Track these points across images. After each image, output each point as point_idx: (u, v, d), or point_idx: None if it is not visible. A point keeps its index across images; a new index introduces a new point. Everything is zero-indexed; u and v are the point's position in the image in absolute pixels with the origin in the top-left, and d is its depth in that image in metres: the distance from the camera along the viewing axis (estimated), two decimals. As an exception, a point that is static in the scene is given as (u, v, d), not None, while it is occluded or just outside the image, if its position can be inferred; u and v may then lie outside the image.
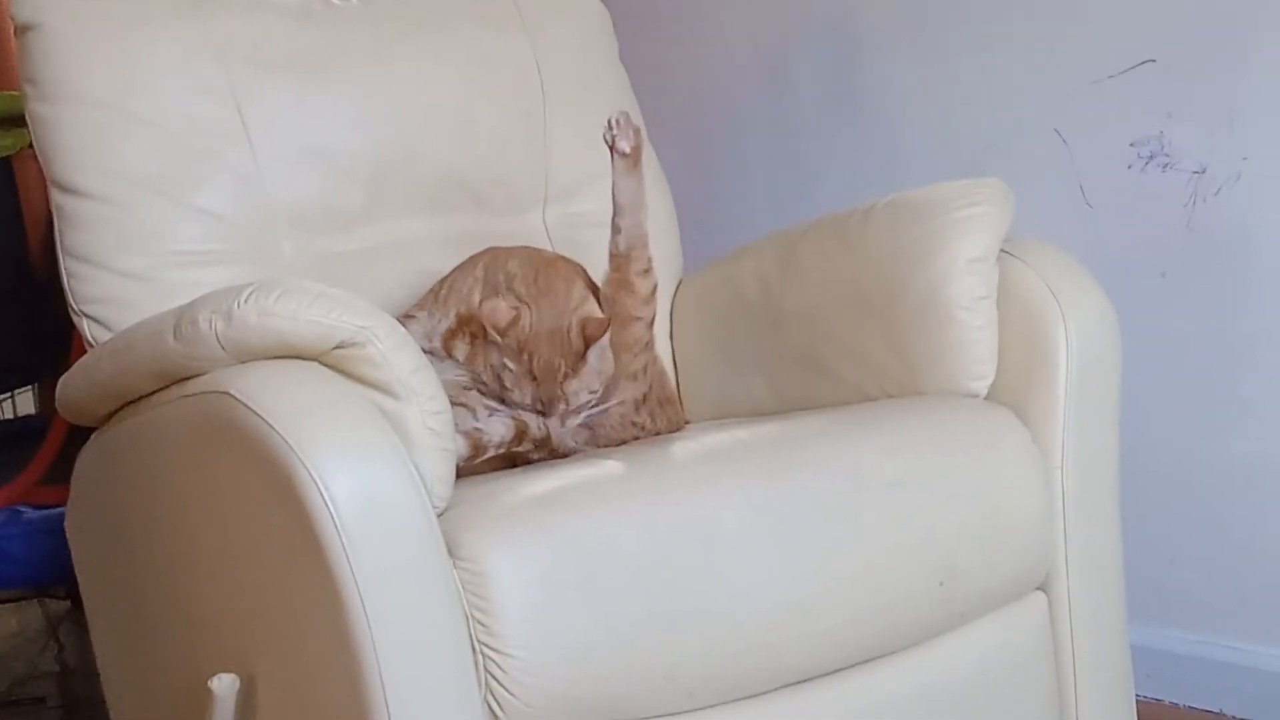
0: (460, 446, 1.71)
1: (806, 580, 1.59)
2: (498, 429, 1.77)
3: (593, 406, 1.82)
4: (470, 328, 1.84)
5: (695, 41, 2.93)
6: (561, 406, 1.79)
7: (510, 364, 1.78)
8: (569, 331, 1.80)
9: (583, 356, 1.79)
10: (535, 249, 2.02)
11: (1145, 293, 2.33)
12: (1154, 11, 2.29)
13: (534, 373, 1.78)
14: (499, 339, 1.78)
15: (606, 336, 1.81)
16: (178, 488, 1.66)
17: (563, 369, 1.78)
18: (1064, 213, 2.40)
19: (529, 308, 1.81)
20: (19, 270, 2.69)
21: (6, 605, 2.57)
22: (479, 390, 1.82)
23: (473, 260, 1.94)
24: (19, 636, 2.49)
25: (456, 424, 1.69)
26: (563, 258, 1.98)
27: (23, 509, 2.53)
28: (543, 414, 1.79)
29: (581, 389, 1.80)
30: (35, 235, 2.70)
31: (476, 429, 1.75)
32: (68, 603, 2.51)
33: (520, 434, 1.78)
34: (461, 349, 1.83)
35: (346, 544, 1.38)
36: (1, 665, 2.48)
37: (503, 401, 1.80)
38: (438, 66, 2.21)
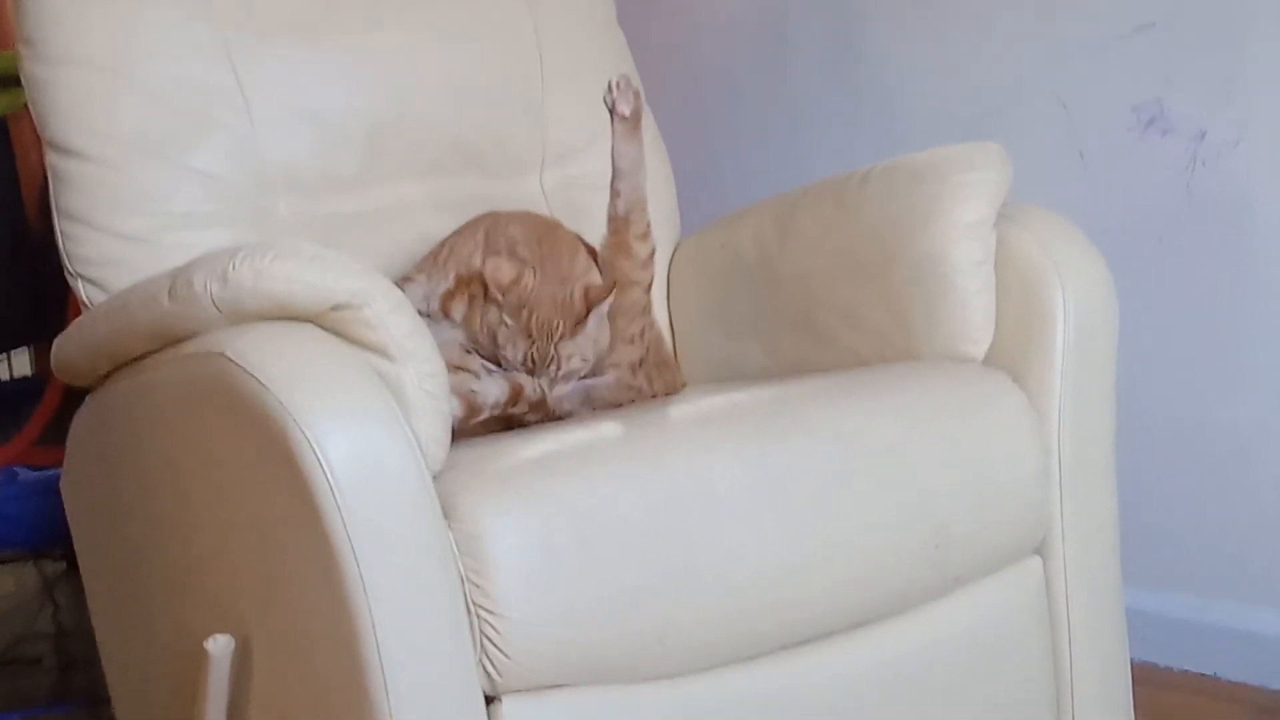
0: (455, 408, 1.70)
1: (802, 544, 1.59)
2: (493, 390, 1.77)
3: (582, 377, 1.82)
4: (470, 288, 1.83)
5: (693, 4, 2.92)
6: (553, 368, 1.79)
7: (508, 319, 1.78)
8: (572, 295, 1.80)
9: (582, 320, 1.79)
10: (535, 214, 2.02)
11: (1143, 258, 2.32)
12: (1154, -25, 2.29)
13: (530, 330, 1.78)
14: (500, 296, 1.77)
15: (607, 305, 1.81)
16: (172, 449, 1.66)
17: (560, 329, 1.78)
18: (1063, 177, 2.40)
19: (533, 270, 1.80)
20: (16, 231, 2.69)
21: (3, 566, 2.57)
22: (476, 351, 1.82)
23: (473, 224, 1.93)
24: (15, 597, 2.49)
25: (455, 386, 1.70)
26: (561, 224, 1.98)
27: (19, 470, 2.54)
28: (531, 372, 1.78)
29: (575, 353, 1.80)
30: (32, 196, 2.70)
31: (472, 391, 1.75)
32: (64, 564, 2.51)
33: (516, 395, 1.78)
34: (459, 309, 1.83)
35: (341, 506, 1.38)
36: (-2, 626, 2.48)
37: (496, 361, 1.80)
38: (434, 29, 2.20)
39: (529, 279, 1.79)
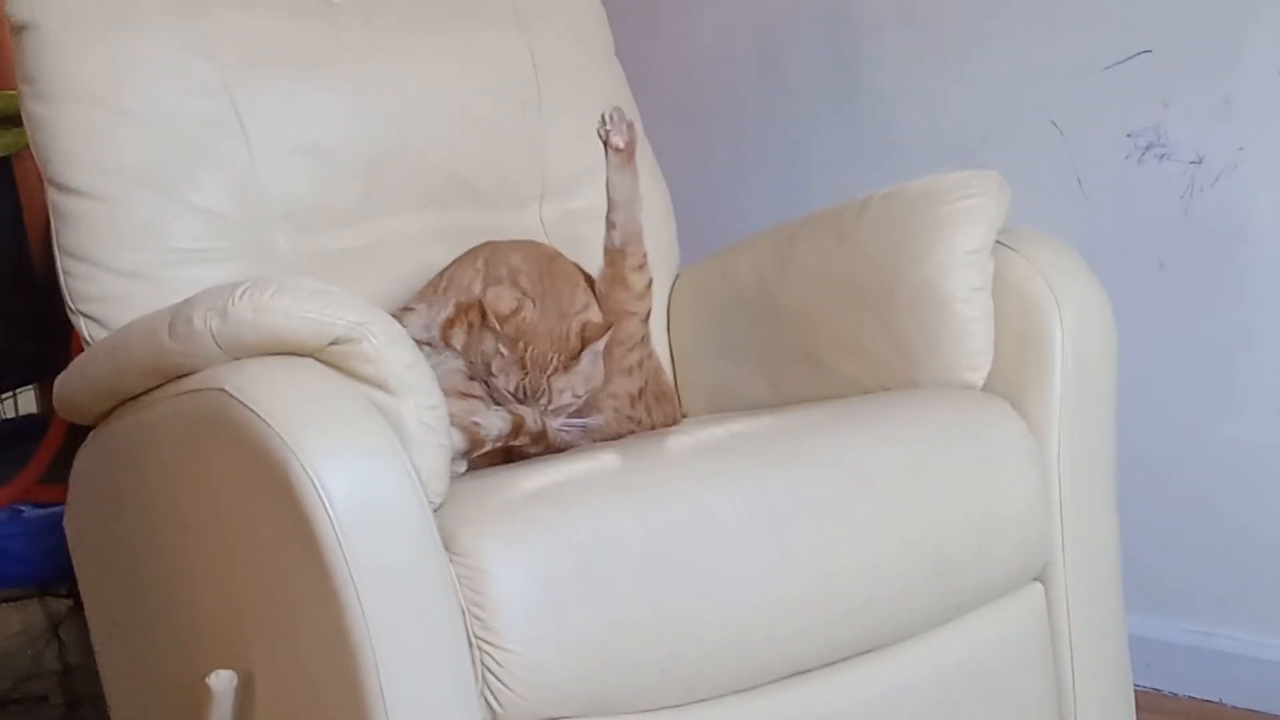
0: (457, 440, 1.71)
1: (803, 573, 1.59)
2: (495, 423, 1.77)
3: (573, 414, 1.82)
4: (469, 315, 1.84)
5: (690, 34, 2.93)
6: (544, 401, 1.79)
7: (504, 350, 1.78)
8: (569, 331, 1.80)
9: (576, 357, 1.80)
10: (535, 243, 2.03)
11: (1142, 283, 2.33)
12: (1149, 1, 2.29)
13: (524, 362, 1.78)
14: (497, 326, 1.78)
15: (602, 343, 1.81)
16: (174, 485, 1.66)
17: (554, 363, 1.78)
18: (1061, 204, 2.40)
19: (533, 302, 1.81)
20: (20, 269, 2.70)
21: (9, 604, 2.57)
22: (477, 378, 1.82)
23: (473, 253, 1.94)
24: (21, 635, 2.49)
25: (459, 415, 1.70)
26: (561, 255, 1.98)
27: (23, 507, 2.54)
28: (521, 403, 1.79)
29: (567, 389, 1.80)
30: (36, 234, 2.70)
31: (475, 423, 1.75)
32: (70, 601, 2.51)
33: (518, 428, 1.79)
34: (459, 337, 1.83)
35: (342, 540, 1.38)
36: (4, 663, 2.48)
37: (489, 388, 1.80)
38: (433, 62, 2.21)
39: (529, 311, 1.80)
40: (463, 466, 1.71)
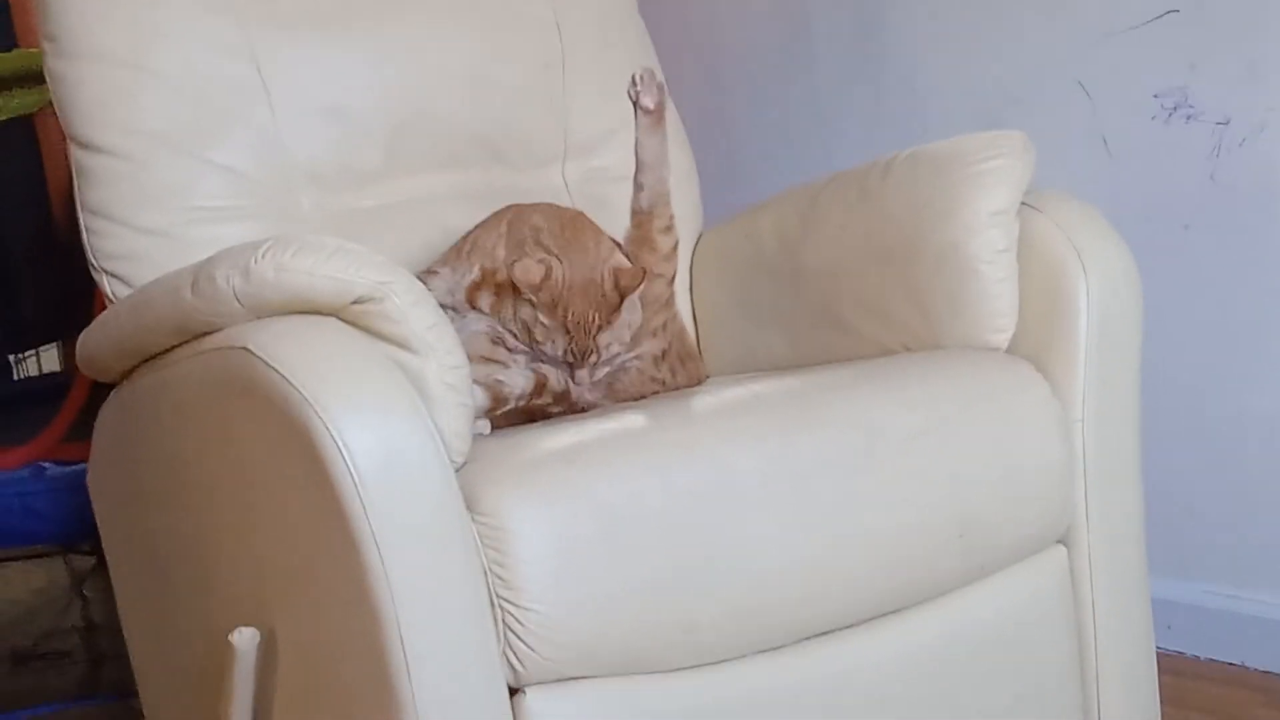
0: (481, 398, 1.71)
1: (825, 533, 1.59)
2: (518, 381, 1.77)
3: (618, 356, 1.82)
4: (496, 278, 1.83)
5: (715, -5, 2.92)
6: (594, 358, 1.79)
7: (544, 319, 1.78)
8: (603, 283, 1.80)
9: (616, 309, 1.79)
10: (556, 205, 2.02)
11: (1168, 245, 2.32)
12: (1176, -38, 2.28)
13: (568, 326, 1.77)
14: (533, 297, 1.77)
15: (639, 290, 1.81)
16: (196, 443, 1.67)
17: (597, 321, 1.78)
18: (1086, 165, 2.39)
19: (558, 260, 1.80)
20: (42, 228, 2.70)
21: (32, 561, 2.58)
22: (504, 343, 1.82)
23: (496, 217, 1.93)
24: (45, 592, 2.50)
25: (481, 377, 1.70)
26: (583, 214, 1.98)
27: (47, 465, 2.54)
28: (573, 365, 1.78)
29: (613, 340, 1.80)
30: (58, 193, 2.70)
31: (498, 381, 1.76)
32: (93, 559, 2.52)
33: (540, 387, 1.79)
34: (486, 299, 1.83)
35: (365, 499, 1.38)
36: (28, 620, 2.49)
37: (532, 353, 1.80)
38: (455, 22, 2.20)
39: (557, 271, 1.79)
40: (487, 427, 1.71)
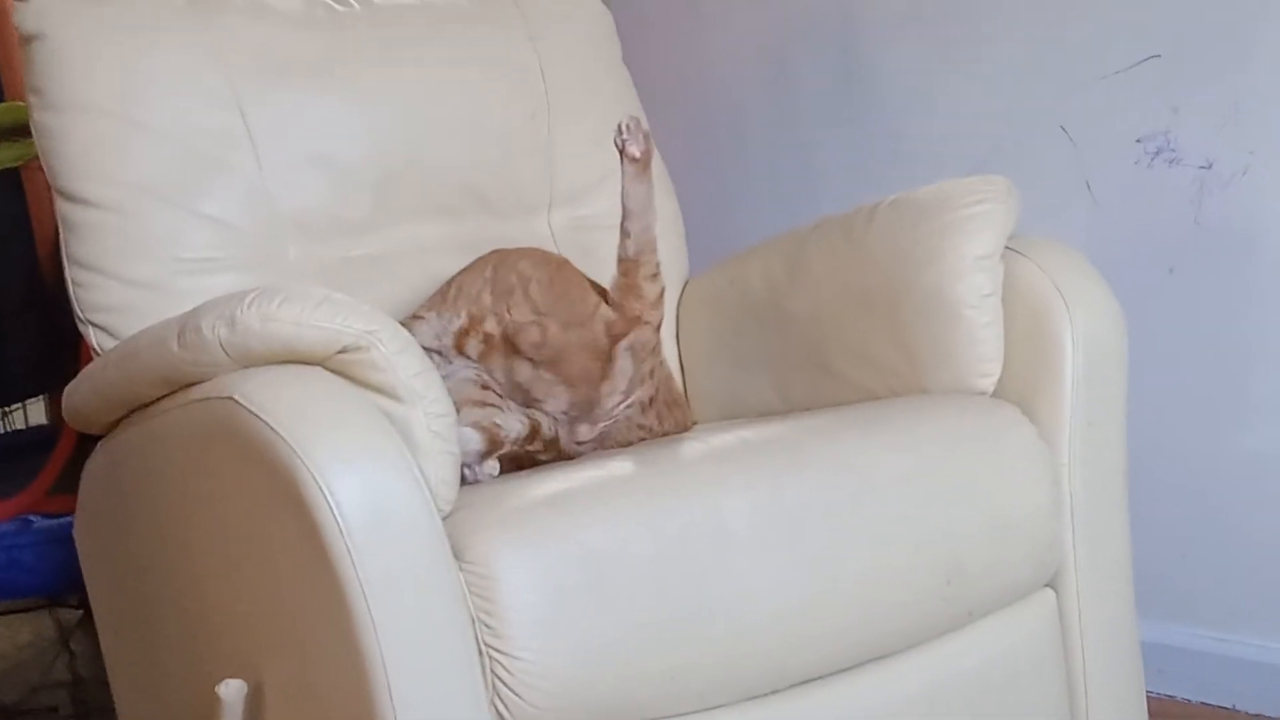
0: (477, 441, 1.71)
1: (814, 580, 1.59)
2: (514, 425, 1.77)
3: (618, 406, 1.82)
4: (484, 330, 1.83)
5: (698, 42, 2.93)
6: (597, 411, 1.79)
7: (545, 374, 1.78)
8: (596, 334, 1.80)
9: (610, 358, 1.79)
10: (541, 250, 2.02)
11: (1153, 289, 2.32)
12: (1158, 6, 2.29)
13: (570, 380, 1.78)
14: (534, 355, 1.77)
15: (631, 338, 1.81)
16: (183, 494, 1.66)
17: (597, 371, 1.78)
18: (1071, 209, 2.40)
19: (549, 318, 1.80)
20: (30, 280, 2.70)
21: (19, 615, 2.57)
22: (494, 389, 1.82)
23: (481, 261, 1.94)
24: (32, 646, 2.49)
25: (477, 419, 1.70)
26: (568, 262, 1.98)
27: (33, 518, 2.54)
28: (575, 420, 1.79)
29: (614, 390, 1.80)
30: (45, 246, 2.70)
31: (495, 424, 1.75)
32: (80, 612, 2.51)
33: (534, 432, 1.79)
34: (475, 347, 1.83)
35: (351, 548, 1.38)
36: (14, 674, 2.48)
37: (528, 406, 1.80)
38: (441, 71, 2.21)
39: (553, 329, 1.79)
40: (496, 468, 1.71)
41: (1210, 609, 2.35)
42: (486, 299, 1.85)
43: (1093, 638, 1.80)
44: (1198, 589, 2.35)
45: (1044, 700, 1.77)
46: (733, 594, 1.54)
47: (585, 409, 1.79)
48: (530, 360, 1.78)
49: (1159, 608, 2.16)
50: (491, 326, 1.82)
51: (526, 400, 1.79)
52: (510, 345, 1.79)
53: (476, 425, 1.71)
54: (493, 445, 1.74)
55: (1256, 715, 2.30)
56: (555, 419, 1.79)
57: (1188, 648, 2.36)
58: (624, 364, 1.82)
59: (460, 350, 1.84)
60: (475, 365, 1.83)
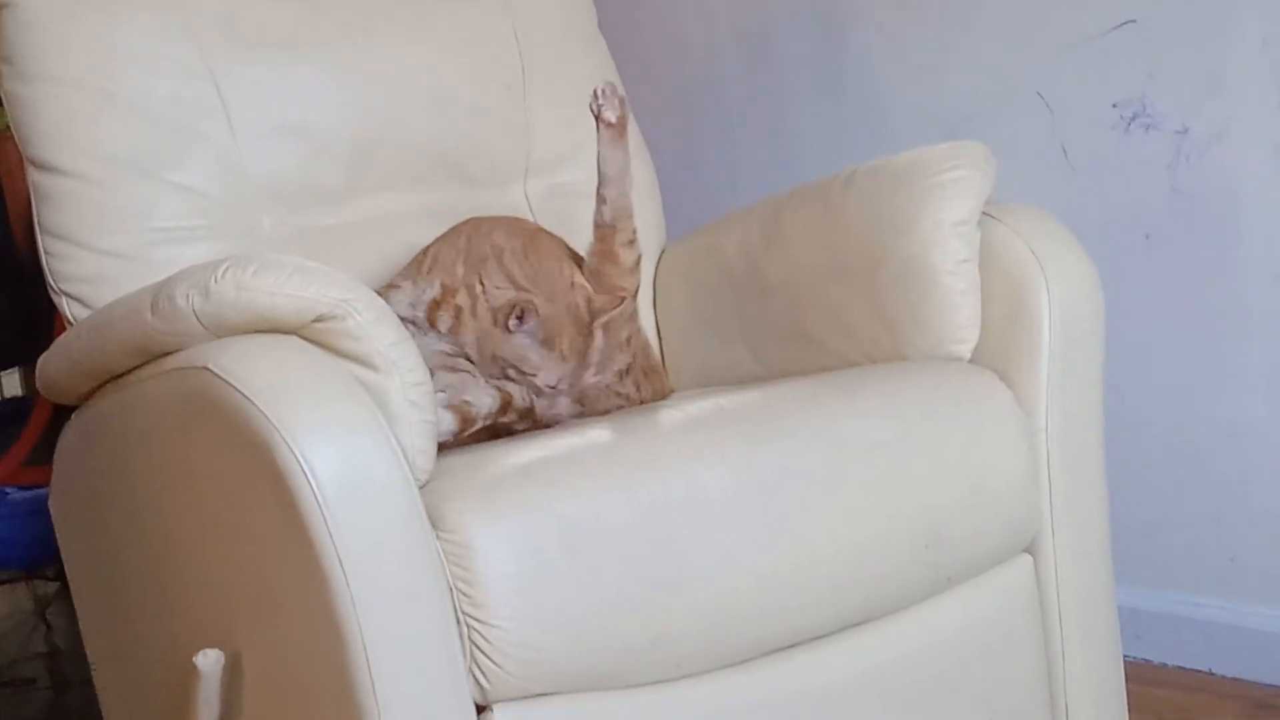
0: (449, 421, 1.70)
1: (791, 547, 1.59)
2: (485, 400, 1.77)
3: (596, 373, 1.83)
4: (455, 303, 1.82)
5: (674, 9, 2.92)
6: (579, 384, 1.79)
7: (540, 349, 1.77)
8: (577, 308, 1.80)
9: (591, 332, 1.79)
10: (517, 220, 2.02)
11: (1129, 254, 2.32)
12: (1134, -28, 2.28)
13: (563, 353, 1.77)
14: (528, 335, 1.77)
15: (613, 314, 1.81)
16: (158, 464, 1.66)
17: (583, 346, 1.78)
18: (1047, 175, 2.40)
19: (533, 293, 1.80)
20: (3, 251, 2.68)
21: (-4, 587, 2.57)
22: (467, 359, 1.81)
23: (455, 231, 1.93)
24: (9, 619, 2.48)
25: (448, 395, 1.70)
26: (543, 230, 1.97)
27: (8, 490, 2.53)
28: (563, 395, 1.78)
29: (590, 364, 1.81)
30: (18, 217, 2.69)
31: (465, 401, 1.75)
32: (56, 584, 2.50)
33: (506, 404, 1.78)
34: (445, 321, 1.82)
35: (328, 518, 1.37)
36: (-8, 648, 2.48)
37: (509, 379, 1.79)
38: (416, 41, 2.20)
39: (540, 304, 1.78)
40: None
41: (1186, 574, 2.36)
42: (460, 270, 1.84)
43: (1070, 602, 1.80)
44: (1175, 554, 2.36)
45: (1022, 664, 1.78)
46: (710, 562, 1.54)
47: (574, 382, 1.79)
48: (522, 335, 1.77)
49: (1136, 573, 2.17)
50: (463, 300, 1.81)
51: (511, 374, 1.78)
52: (494, 318, 1.78)
53: (448, 405, 1.71)
54: (465, 424, 1.73)
55: (1232, 679, 2.31)
56: (540, 392, 1.78)
57: (1164, 612, 2.36)
58: (599, 339, 1.82)
59: (432, 323, 1.83)
60: (446, 338, 1.82)
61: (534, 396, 1.79)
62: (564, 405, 1.81)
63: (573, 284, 1.84)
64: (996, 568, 1.77)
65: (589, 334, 1.80)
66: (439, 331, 1.83)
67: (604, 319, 1.81)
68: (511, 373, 1.78)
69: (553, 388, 1.78)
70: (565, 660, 1.47)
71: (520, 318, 1.76)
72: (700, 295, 2.17)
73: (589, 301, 1.81)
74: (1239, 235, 2.24)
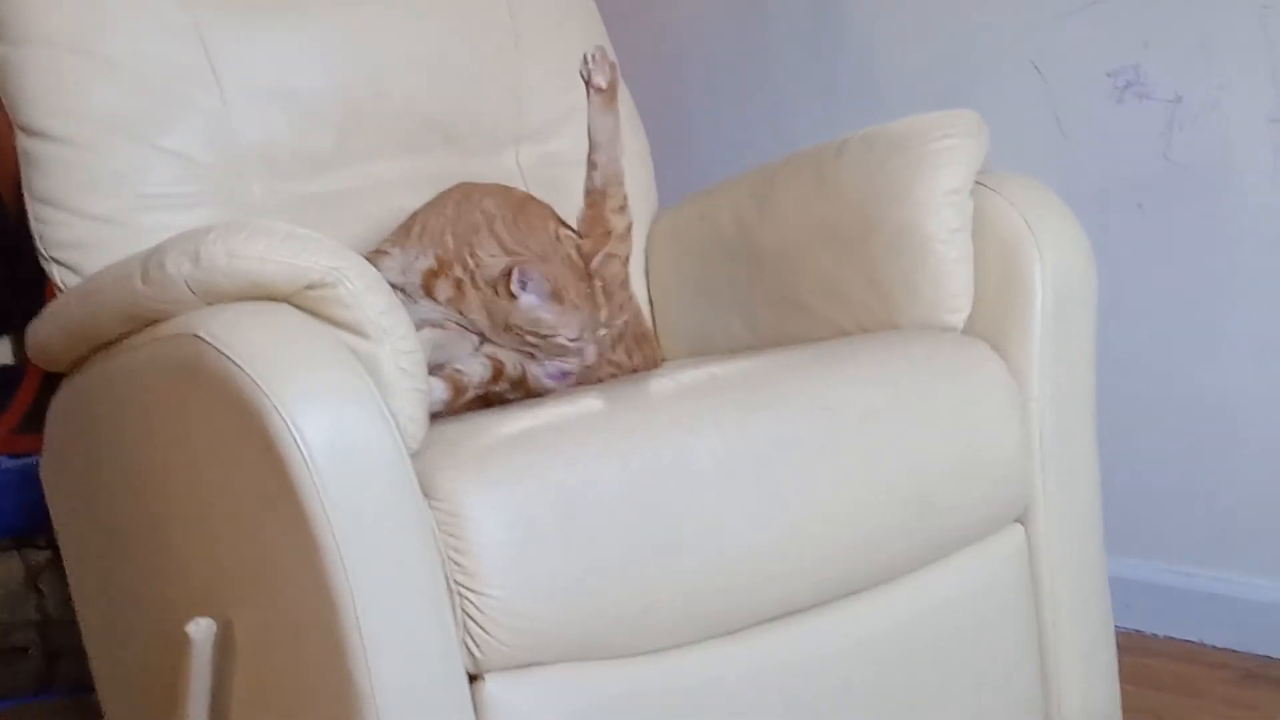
0: (441, 390, 1.70)
1: (783, 515, 1.59)
2: (476, 369, 1.76)
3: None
4: (455, 275, 1.81)
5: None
6: (604, 315, 1.80)
7: (553, 308, 1.76)
8: (571, 256, 1.80)
9: (589, 275, 1.79)
10: (506, 187, 2.01)
11: (1122, 223, 2.32)
12: (1128, -61, 2.28)
13: (575, 304, 1.76)
14: (543, 290, 1.76)
15: (600, 256, 1.81)
16: (149, 432, 1.65)
17: (588, 289, 1.79)
18: (1040, 144, 2.39)
19: (526, 253, 1.79)
20: (-7, 219, 2.67)
21: (-14, 555, 2.56)
22: (461, 326, 1.81)
23: (443, 197, 1.92)
24: (0, 587, 2.48)
25: (439, 366, 1.69)
26: (532, 198, 1.97)
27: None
28: (588, 343, 1.78)
29: (603, 299, 1.82)
30: (8, 183, 2.68)
31: (457, 370, 1.74)
32: (48, 552, 2.50)
33: (498, 373, 1.78)
34: (445, 291, 1.82)
35: (320, 486, 1.37)
36: (-17, 615, 2.47)
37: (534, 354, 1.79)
38: (407, 6, 2.19)
39: (536, 263, 1.78)
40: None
41: (1177, 544, 2.36)
42: (450, 241, 1.83)
43: (1061, 572, 1.81)
44: (1166, 524, 2.37)
45: (1013, 634, 1.78)
46: (702, 530, 1.54)
47: (593, 328, 1.78)
48: (533, 293, 1.76)
49: (1127, 542, 2.17)
50: (461, 272, 1.81)
51: (531, 340, 1.77)
52: (495, 288, 1.77)
53: (439, 376, 1.70)
54: (457, 393, 1.73)
55: (1222, 649, 2.32)
56: (568, 351, 1.77)
57: (1155, 582, 2.37)
58: (598, 285, 1.82)
59: (428, 293, 1.82)
60: (443, 308, 1.81)
61: (525, 365, 1.78)
62: (592, 355, 1.79)
63: (559, 237, 1.83)
64: (988, 537, 1.77)
65: (589, 279, 1.80)
66: (435, 301, 1.82)
67: (598, 257, 1.80)
68: (532, 339, 1.76)
69: (576, 340, 1.77)
70: (557, 629, 1.47)
71: (522, 280, 1.75)
72: (692, 263, 2.17)
73: (579, 248, 1.81)
74: (1232, 204, 2.24)
